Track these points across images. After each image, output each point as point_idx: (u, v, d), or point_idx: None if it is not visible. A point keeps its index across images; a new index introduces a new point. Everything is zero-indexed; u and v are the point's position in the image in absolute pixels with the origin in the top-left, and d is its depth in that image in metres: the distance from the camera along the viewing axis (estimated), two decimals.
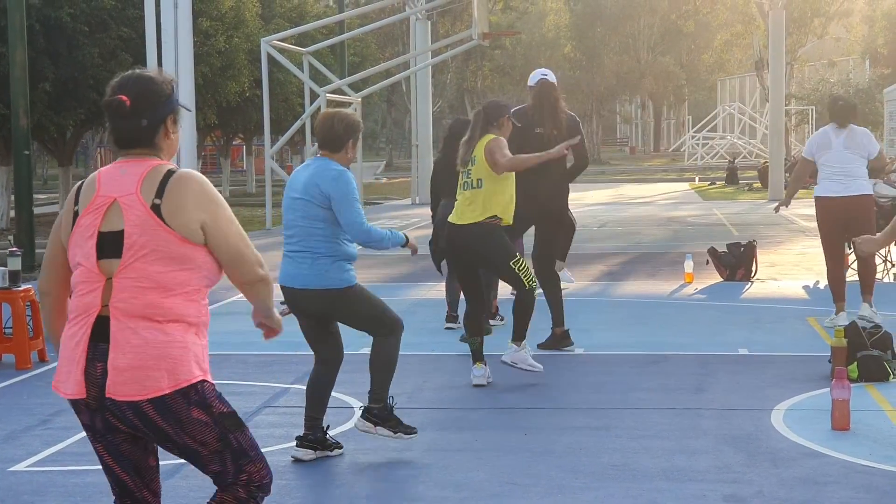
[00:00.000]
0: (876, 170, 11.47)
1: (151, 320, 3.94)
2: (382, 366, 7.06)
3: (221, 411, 4.05)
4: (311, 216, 6.80)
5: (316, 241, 6.78)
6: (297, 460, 6.94)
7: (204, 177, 4.13)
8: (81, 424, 4.10)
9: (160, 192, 3.98)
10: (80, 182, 4.18)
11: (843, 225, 11.19)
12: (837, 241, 11.41)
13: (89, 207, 4.02)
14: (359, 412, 7.39)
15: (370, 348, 7.09)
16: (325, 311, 6.94)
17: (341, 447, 7.12)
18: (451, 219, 8.86)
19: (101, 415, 3.99)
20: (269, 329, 4.38)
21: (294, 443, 7.11)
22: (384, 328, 7.02)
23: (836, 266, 11.41)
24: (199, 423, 4.00)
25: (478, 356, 8.95)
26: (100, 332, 3.95)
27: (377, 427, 7.09)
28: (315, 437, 7.01)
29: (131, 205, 3.97)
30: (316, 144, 7.00)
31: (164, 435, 4.00)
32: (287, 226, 6.95)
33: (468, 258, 8.84)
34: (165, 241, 3.96)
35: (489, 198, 8.67)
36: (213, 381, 4.14)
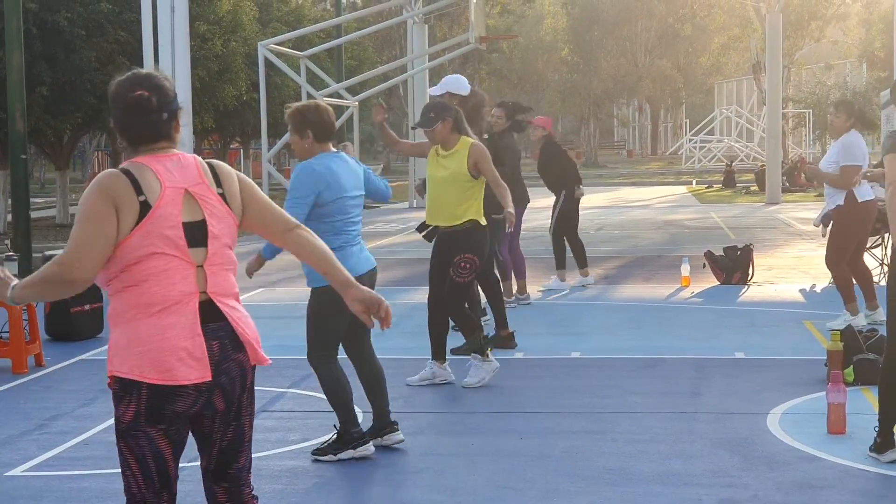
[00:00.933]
0: (833, 181, 11.28)
1: (236, 299, 4.22)
2: (325, 393, 7.10)
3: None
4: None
5: None
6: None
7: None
8: (160, 419, 4.03)
9: (218, 182, 4.17)
10: (123, 173, 4.04)
11: None
12: (863, 243, 11.62)
13: (163, 199, 4.01)
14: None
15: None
16: None
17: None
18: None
19: (206, 396, 4.08)
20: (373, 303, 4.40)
21: (289, 447, 7.10)
22: (313, 351, 6.98)
23: (845, 268, 11.43)
24: (253, 402, 4.31)
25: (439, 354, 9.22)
26: (204, 315, 4.07)
27: (338, 454, 7.04)
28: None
29: (205, 195, 4.11)
30: (323, 140, 6.94)
31: (244, 408, 4.23)
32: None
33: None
34: (231, 227, 4.18)
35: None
36: None
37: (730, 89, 75.27)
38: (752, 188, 40.26)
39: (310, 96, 27.87)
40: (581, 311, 13.06)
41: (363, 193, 7.14)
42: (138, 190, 4.00)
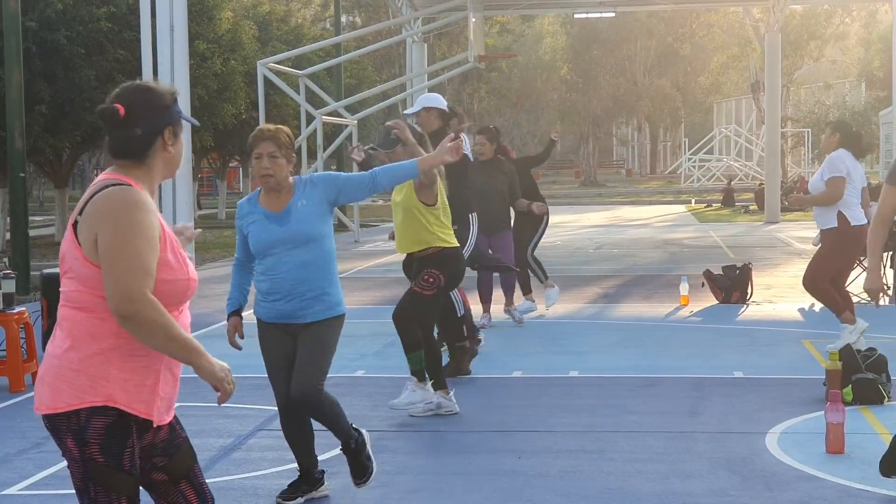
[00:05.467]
0: (820, 199, 11.16)
1: (67, 333, 3.91)
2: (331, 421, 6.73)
3: (94, 458, 3.92)
4: None
5: None
6: None
7: (126, 197, 3.86)
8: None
9: (82, 209, 3.91)
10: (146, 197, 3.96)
11: None
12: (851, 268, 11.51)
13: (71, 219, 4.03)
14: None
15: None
16: None
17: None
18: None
19: None
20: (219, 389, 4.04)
21: (286, 466, 7.08)
22: (321, 383, 6.68)
23: (830, 286, 11.28)
24: (70, 454, 3.96)
25: (422, 376, 8.75)
26: None
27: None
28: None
29: (71, 221, 3.95)
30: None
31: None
32: None
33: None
34: (78, 262, 3.89)
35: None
36: (183, 413, 4.12)
37: (729, 108, 75.32)
38: (752, 207, 40.28)
39: (309, 115, 27.93)
40: (579, 330, 13.05)
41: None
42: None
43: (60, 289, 3.97)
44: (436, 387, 8.78)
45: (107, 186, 3.88)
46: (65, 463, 7.35)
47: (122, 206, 3.82)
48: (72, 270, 3.90)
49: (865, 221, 11.05)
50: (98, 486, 3.91)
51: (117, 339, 3.87)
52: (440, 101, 10.33)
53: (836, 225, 10.90)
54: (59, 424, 3.91)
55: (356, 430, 6.64)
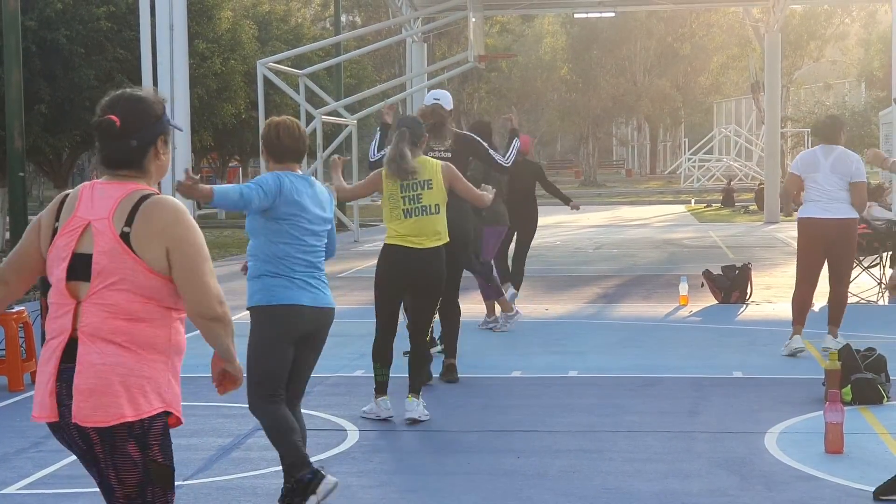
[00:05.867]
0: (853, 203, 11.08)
1: (118, 345, 3.91)
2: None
3: (156, 460, 4.01)
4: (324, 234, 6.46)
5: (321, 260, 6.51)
6: None
7: (178, 203, 4.04)
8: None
9: (130, 220, 3.93)
10: (63, 194, 4.14)
11: (822, 248, 11.02)
12: (814, 263, 11.11)
13: (66, 227, 4.01)
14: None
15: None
16: (320, 331, 6.48)
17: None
18: (408, 242, 8.37)
19: (64, 434, 4.00)
20: (229, 379, 4.23)
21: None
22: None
23: (806, 289, 11.17)
24: (129, 460, 3.96)
25: (383, 389, 8.50)
26: (69, 355, 3.94)
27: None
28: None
29: (103, 231, 3.94)
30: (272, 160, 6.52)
31: (94, 460, 4.00)
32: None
33: (419, 281, 8.46)
34: (132, 271, 3.92)
35: (444, 224, 8.51)
36: (183, 413, 4.12)
37: (729, 108, 75.26)
38: (751, 207, 40.27)
39: (308, 115, 27.93)
40: (579, 330, 13.04)
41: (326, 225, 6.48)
42: (57, 215, 4.06)
43: (96, 300, 3.93)
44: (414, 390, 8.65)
45: (145, 197, 3.98)
46: (63, 463, 7.38)
47: (185, 215, 3.99)
48: (125, 282, 3.92)
49: (813, 216, 11.00)
50: (157, 486, 4.01)
51: (169, 347, 4.01)
52: (446, 100, 10.36)
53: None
54: (117, 433, 3.93)
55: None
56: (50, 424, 4.02)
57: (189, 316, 4.03)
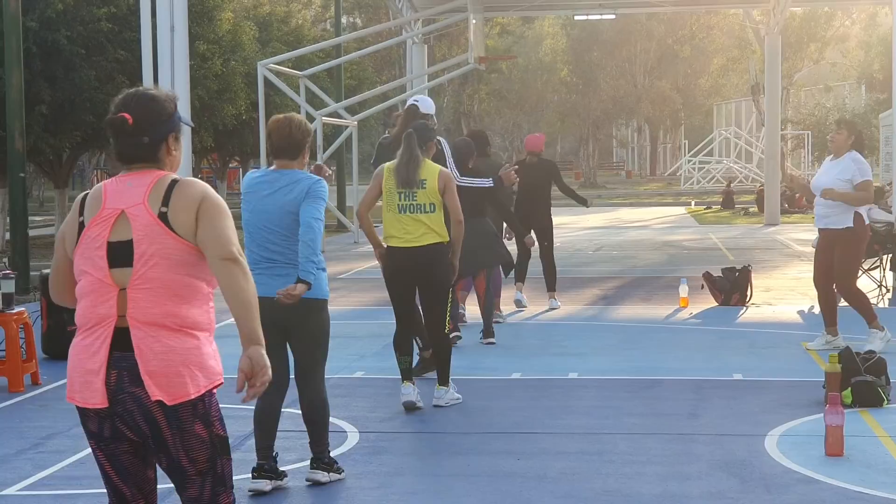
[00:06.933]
0: (858, 199, 11.08)
1: (170, 328, 4.02)
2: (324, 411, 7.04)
3: (219, 433, 4.14)
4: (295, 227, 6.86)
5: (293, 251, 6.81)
6: (256, 493, 6.81)
7: (207, 185, 4.21)
8: (87, 433, 4.16)
9: (166, 201, 4.06)
10: (84, 193, 4.24)
11: (828, 252, 11.20)
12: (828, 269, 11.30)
13: (96, 219, 4.09)
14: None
15: (305, 394, 7.00)
16: (293, 322, 6.76)
17: (287, 475, 7.01)
18: (400, 241, 8.91)
19: (110, 422, 4.05)
20: (257, 369, 4.12)
21: (285, 466, 7.08)
22: (323, 364, 6.97)
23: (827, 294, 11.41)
24: (198, 438, 4.08)
25: (407, 375, 8.96)
26: (118, 342, 4.01)
27: (329, 473, 7.00)
28: (270, 466, 6.90)
29: (139, 215, 4.05)
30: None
31: (163, 443, 4.06)
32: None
33: (420, 278, 8.90)
34: (174, 249, 4.04)
35: (441, 222, 8.83)
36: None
37: (729, 110, 75.26)
38: (752, 209, 40.27)
39: (309, 116, 27.92)
40: (579, 332, 13.04)
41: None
42: (81, 210, 4.15)
43: (141, 284, 4.02)
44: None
45: (175, 181, 4.13)
46: (63, 463, 7.37)
47: (213, 192, 4.16)
48: (167, 261, 4.02)
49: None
50: (224, 457, 4.17)
51: (210, 323, 4.16)
52: (427, 106, 10.66)
53: (853, 225, 10.99)
54: (185, 413, 4.04)
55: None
56: (86, 414, 4.09)
57: (211, 264, 4.08)
